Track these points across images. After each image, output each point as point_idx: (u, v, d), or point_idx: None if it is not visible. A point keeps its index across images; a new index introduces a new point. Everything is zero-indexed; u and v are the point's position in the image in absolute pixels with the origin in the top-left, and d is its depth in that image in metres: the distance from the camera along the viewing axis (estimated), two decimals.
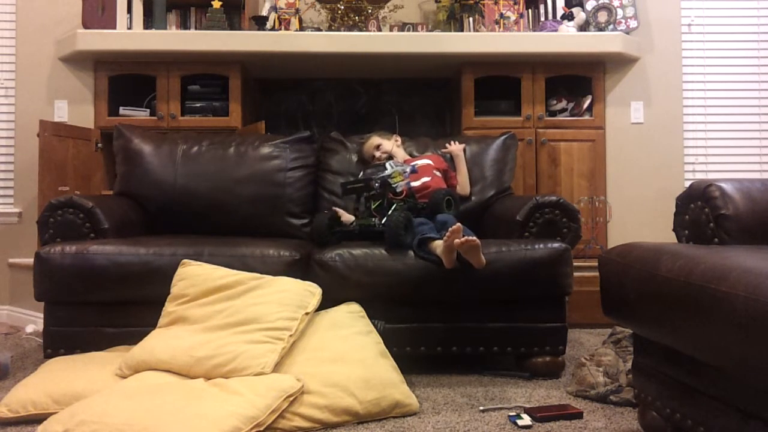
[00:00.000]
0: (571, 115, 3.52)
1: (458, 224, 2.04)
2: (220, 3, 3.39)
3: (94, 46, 3.25)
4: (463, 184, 2.75)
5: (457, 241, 2.01)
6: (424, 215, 2.36)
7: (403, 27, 3.52)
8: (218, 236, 2.50)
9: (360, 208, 2.45)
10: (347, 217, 2.51)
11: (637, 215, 3.52)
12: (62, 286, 2.17)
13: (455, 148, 2.81)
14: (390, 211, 2.31)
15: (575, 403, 1.91)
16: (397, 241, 2.17)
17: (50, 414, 1.68)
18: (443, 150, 2.85)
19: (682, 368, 1.37)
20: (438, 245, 2.11)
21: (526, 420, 1.74)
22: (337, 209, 2.56)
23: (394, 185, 2.37)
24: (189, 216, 2.72)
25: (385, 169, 2.43)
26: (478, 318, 2.21)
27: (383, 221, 2.28)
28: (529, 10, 3.60)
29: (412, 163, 2.66)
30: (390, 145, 2.77)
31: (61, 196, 2.42)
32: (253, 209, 2.73)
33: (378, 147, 2.75)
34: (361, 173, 2.65)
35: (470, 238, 2.02)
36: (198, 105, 3.38)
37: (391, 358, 1.96)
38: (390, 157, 2.71)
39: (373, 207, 2.36)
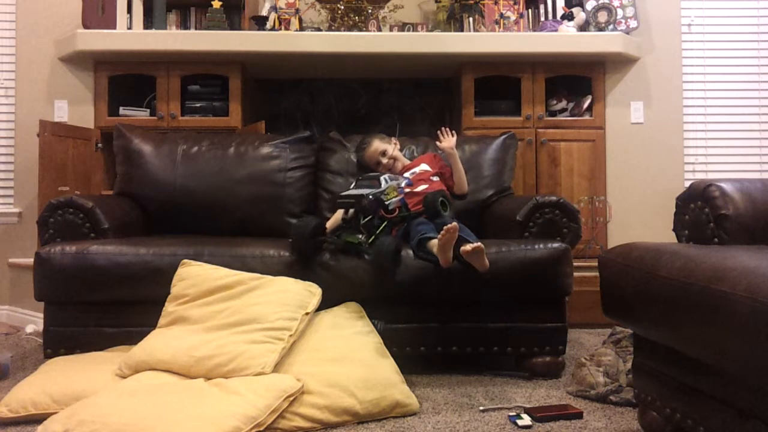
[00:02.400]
0: (571, 115, 3.53)
1: (454, 223, 2.04)
2: (220, 3, 3.39)
3: (94, 46, 3.25)
4: (459, 183, 2.65)
5: (463, 248, 2.01)
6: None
7: (403, 27, 3.52)
8: (218, 236, 2.50)
9: (348, 220, 2.33)
10: (333, 221, 2.44)
11: (637, 215, 3.52)
12: (62, 286, 2.17)
13: (447, 145, 2.63)
14: (378, 230, 2.22)
15: (575, 403, 1.91)
16: (382, 270, 2.11)
17: (50, 414, 1.68)
18: (438, 144, 2.67)
19: (682, 368, 1.37)
20: (435, 244, 2.10)
21: (526, 420, 1.74)
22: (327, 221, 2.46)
23: (387, 202, 2.28)
24: (189, 216, 2.72)
25: (380, 184, 2.32)
26: (478, 318, 2.20)
27: (370, 241, 2.18)
28: (529, 10, 3.60)
29: (411, 170, 2.63)
30: (394, 149, 2.72)
31: (61, 196, 2.42)
32: (253, 209, 2.73)
33: (384, 153, 2.69)
34: (354, 182, 2.50)
35: (475, 245, 2.01)
36: (198, 105, 3.38)
37: (391, 358, 1.96)
38: (394, 161, 2.68)
39: (362, 222, 2.24)
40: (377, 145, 2.71)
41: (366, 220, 2.23)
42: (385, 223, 2.28)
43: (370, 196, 2.22)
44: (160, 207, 2.73)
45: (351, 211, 2.32)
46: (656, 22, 3.63)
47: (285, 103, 3.79)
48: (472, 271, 2.08)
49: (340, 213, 2.45)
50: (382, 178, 2.37)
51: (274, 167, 2.79)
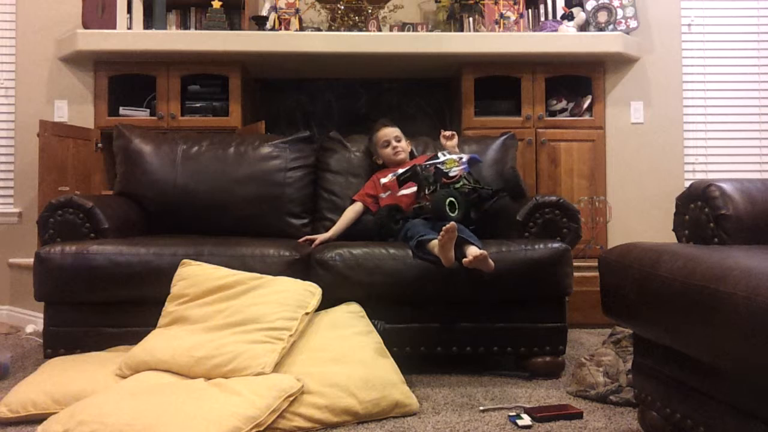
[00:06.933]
0: (571, 115, 3.53)
1: (453, 223, 2.04)
2: (220, 3, 3.39)
3: (94, 46, 3.25)
4: None
5: (465, 260, 2.02)
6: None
7: (403, 27, 3.52)
8: (218, 236, 2.50)
9: (419, 195, 2.51)
10: (323, 237, 2.54)
11: (637, 215, 3.52)
12: (62, 286, 2.17)
13: (454, 144, 2.67)
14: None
15: (575, 403, 1.91)
16: (440, 216, 2.22)
17: (50, 414, 1.69)
18: (445, 142, 2.68)
19: (682, 368, 1.37)
20: (435, 245, 2.10)
21: (526, 420, 1.74)
22: (318, 236, 2.56)
23: (446, 170, 2.40)
24: (189, 216, 2.72)
25: (437, 157, 2.47)
26: (478, 318, 2.20)
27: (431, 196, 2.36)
28: (529, 10, 3.60)
29: (407, 167, 2.63)
30: (407, 144, 2.76)
31: (61, 196, 2.42)
32: (253, 209, 2.73)
33: (398, 138, 2.71)
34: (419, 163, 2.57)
35: (477, 254, 2.01)
36: (198, 105, 3.38)
37: (391, 358, 1.96)
38: (400, 152, 2.70)
39: (427, 193, 2.43)
40: (397, 130, 2.75)
41: (431, 191, 2.40)
42: (450, 188, 2.38)
43: (426, 165, 2.41)
44: (160, 207, 2.73)
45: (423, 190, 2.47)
46: (656, 22, 3.63)
47: (285, 103, 3.79)
48: (473, 271, 2.08)
49: (346, 218, 2.63)
50: (440, 153, 2.50)
51: (274, 167, 2.79)
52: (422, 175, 2.43)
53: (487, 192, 2.46)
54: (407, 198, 2.57)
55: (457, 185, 2.39)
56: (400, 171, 2.49)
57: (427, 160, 2.51)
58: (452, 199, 2.30)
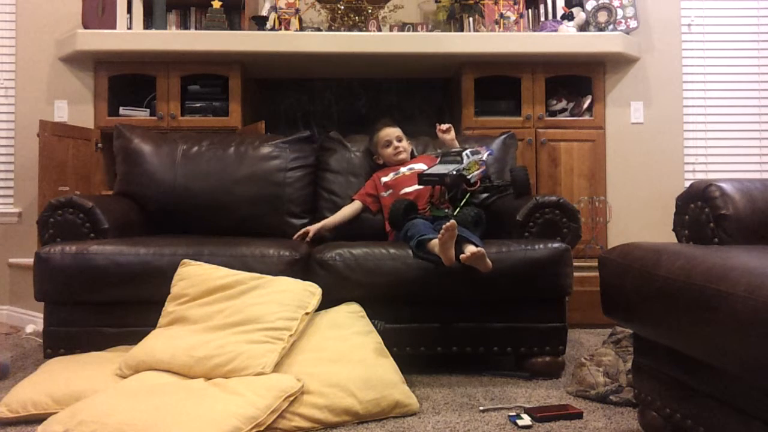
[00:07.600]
0: (571, 115, 3.53)
1: (452, 221, 2.04)
2: (220, 3, 3.39)
3: (94, 46, 3.26)
4: None
5: (463, 256, 2.03)
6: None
7: (403, 27, 3.52)
8: (218, 236, 2.50)
9: (435, 197, 2.52)
10: (315, 228, 2.57)
11: (637, 215, 3.52)
12: (62, 286, 2.17)
13: (451, 137, 2.68)
14: (462, 203, 2.41)
15: (575, 403, 1.91)
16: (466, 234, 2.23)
17: (50, 414, 1.68)
18: (440, 132, 2.70)
19: (682, 368, 1.37)
20: (436, 244, 2.11)
21: (526, 420, 1.74)
22: (310, 228, 2.59)
23: (468, 177, 2.41)
24: (189, 216, 2.72)
25: (462, 160, 2.44)
26: (478, 318, 2.20)
27: (455, 213, 2.36)
28: (529, 10, 3.60)
29: (410, 167, 2.65)
30: (408, 144, 2.76)
31: (61, 196, 2.42)
32: (253, 209, 2.73)
33: (399, 139, 2.72)
34: (439, 159, 2.56)
35: (475, 251, 2.01)
36: (198, 105, 3.38)
37: (391, 358, 1.96)
38: (401, 151, 2.71)
39: (447, 196, 2.46)
40: (398, 130, 2.75)
41: (450, 195, 2.44)
42: (468, 195, 2.43)
43: (453, 173, 2.35)
44: (160, 207, 2.73)
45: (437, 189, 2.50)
46: (656, 22, 3.63)
47: (285, 103, 3.79)
48: (473, 271, 2.08)
49: (342, 213, 2.64)
50: (463, 153, 2.47)
51: (274, 167, 2.79)
52: (447, 182, 2.41)
53: (496, 187, 2.53)
54: (409, 196, 2.56)
55: (477, 193, 2.48)
56: (430, 171, 2.44)
57: (445, 155, 2.51)
58: (478, 219, 2.35)
